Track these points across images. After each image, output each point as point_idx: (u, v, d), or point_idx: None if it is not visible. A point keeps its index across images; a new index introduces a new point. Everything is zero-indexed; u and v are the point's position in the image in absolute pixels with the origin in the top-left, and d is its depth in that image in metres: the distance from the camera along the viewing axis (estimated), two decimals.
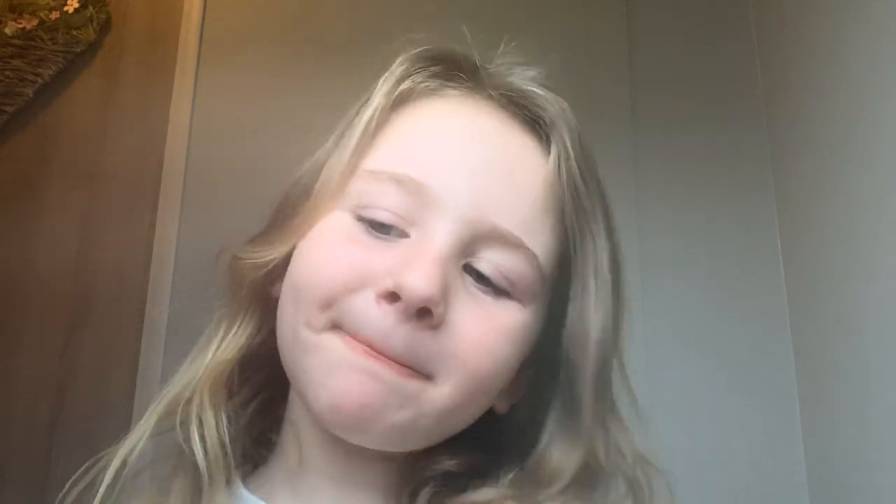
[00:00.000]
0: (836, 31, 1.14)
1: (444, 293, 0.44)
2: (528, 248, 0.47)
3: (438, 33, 0.53)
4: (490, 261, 0.46)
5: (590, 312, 0.49)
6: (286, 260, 0.49)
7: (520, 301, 0.47)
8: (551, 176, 0.49)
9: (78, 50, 1.44)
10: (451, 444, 0.48)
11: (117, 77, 1.45)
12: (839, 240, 1.12)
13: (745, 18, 1.47)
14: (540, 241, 0.48)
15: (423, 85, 0.51)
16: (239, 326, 0.52)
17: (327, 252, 0.47)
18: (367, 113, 0.50)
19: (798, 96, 1.29)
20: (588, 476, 0.48)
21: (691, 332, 1.33)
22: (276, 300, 0.49)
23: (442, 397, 0.45)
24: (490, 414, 0.49)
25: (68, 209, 1.37)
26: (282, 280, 0.49)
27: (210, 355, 0.51)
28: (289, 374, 0.48)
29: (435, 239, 0.45)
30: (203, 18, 1.48)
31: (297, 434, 0.50)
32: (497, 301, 0.46)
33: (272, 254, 0.49)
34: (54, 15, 1.43)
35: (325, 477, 0.49)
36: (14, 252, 1.34)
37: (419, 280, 0.43)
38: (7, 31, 1.41)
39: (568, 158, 0.50)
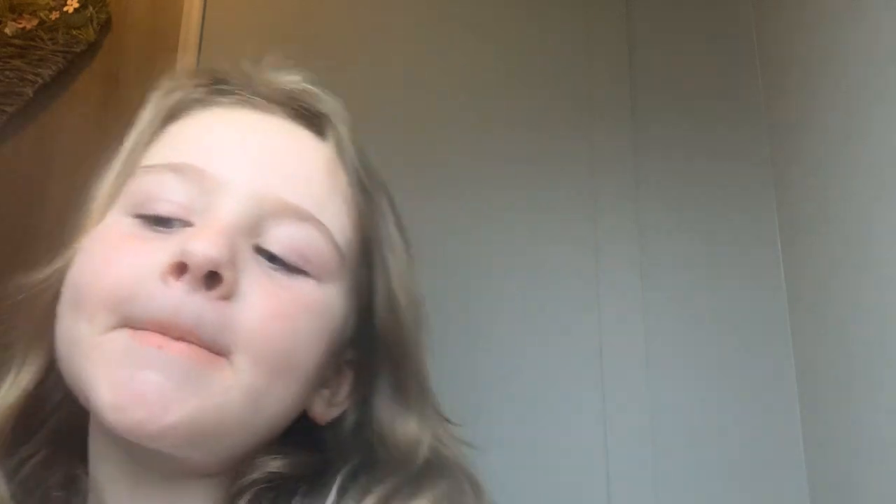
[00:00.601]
0: (836, 30, 1.14)
1: (234, 260, 0.42)
2: (319, 221, 0.46)
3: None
4: (280, 238, 0.45)
5: (394, 286, 0.49)
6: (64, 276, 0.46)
7: (316, 278, 0.46)
8: (333, 160, 0.49)
9: (78, 50, 1.44)
10: (277, 446, 0.46)
11: (117, 77, 1.45)
12: (840, 239, 1.12)
13: (745, 18, 1.47)
14: (331, 216, 0.47)
15: (193, 97, 0.51)
16: (22, 368, 0.47)
17: (106, 249, 0.44)
18: (139, 126, 0.50)
19: (798, 96, 1.29)
20: (429, 470, 0.47)
21: (691, 331, 1.33)
22: None
23: (242, 376, 0.42)
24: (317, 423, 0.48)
25: (69, 209, 1.37)
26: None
27: None
28: (73, 387, 0.44)
29: (219, 214, 0.44)
30: (203, 18, 1.48)
31: (100, 472, 0.46)
32: (291, 277, 0.45)
33: (48, 270, 0.47)
34: (54, 15, 1.42)
35: None
36: (14, 252, 1.34)
37: (204, 242, 0.41)
38: (7, 31, 1.41)
39: (346, 144, 0.50)
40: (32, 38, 1.41)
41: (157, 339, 0.40)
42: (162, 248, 0.42)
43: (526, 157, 1.38)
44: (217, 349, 0.41)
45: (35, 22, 1.42)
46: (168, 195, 0.45)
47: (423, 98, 1.40)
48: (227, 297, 0.42)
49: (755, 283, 1.34)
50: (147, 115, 0.51)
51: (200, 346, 0.41)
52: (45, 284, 0.47)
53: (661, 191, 1.39)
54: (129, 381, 0.40)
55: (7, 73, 1.39)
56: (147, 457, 0.42)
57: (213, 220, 0.43)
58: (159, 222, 0.44)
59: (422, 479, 0.46)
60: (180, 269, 0.41)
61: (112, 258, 0.43)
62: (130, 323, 0.41)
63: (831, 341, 1.16)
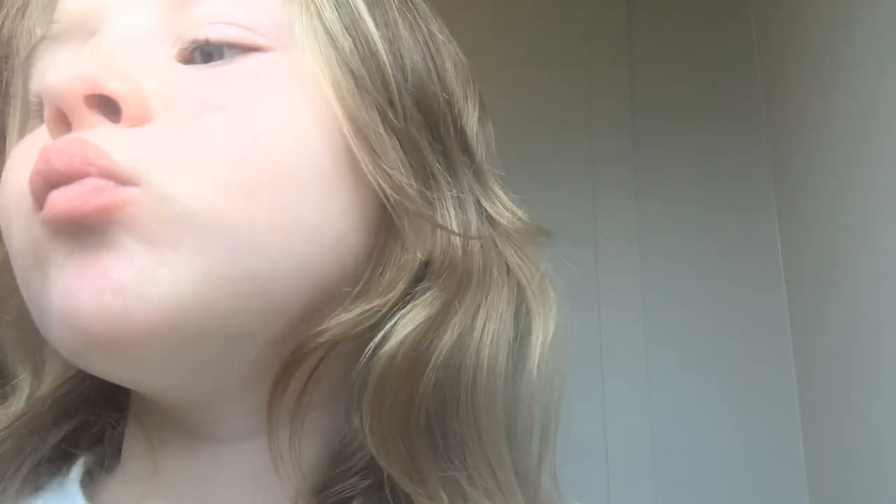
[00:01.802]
0: (836, 30, 1.14)
1: (123, 71, 0.30)
2: None
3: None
4: (212, 18, 0.32)
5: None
6: None
7: (277, 49, 0.33)
8: None
9: None
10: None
11: None
12: (840, 239, 1.12)
13: (745, 18, 1.47)
14: None
15: None
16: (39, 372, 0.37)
17: (4, 177, 0.33)
18: None
19: (798, 95, 1.28)
20: None
21: (691, 331, 1.33)
22: None
23: (190, 204, 0.29)
24: None
25: None
26: None
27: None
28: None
29: (98, 35, 0.32)
30: None
31: (146, 434, 0.35)
32: (242, 62, 0.32)
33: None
34: None
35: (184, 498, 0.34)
36: None
37: (61, 68, 0.30)
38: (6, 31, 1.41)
39: None
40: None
41: (65, 208, 0.28)
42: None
43: (526, 157, 1.38)
44: (138, 181, 0.29)
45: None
46: (59, 62, 0.33)
47: None
48: (144, 119, 0.30)
49: (755, 283, 1.34)
50: None
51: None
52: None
53: (661, 191, 1.39)
54: (65, 283, 0.29)
55: (7, 73, 1.39)
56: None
57: (96, 42, 0.32)
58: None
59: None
60: (56, 122, 0.30)
61: (9, 169, 0.33)
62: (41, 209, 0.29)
63: (831, 341, 1.16)
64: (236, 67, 0.32)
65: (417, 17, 0.38)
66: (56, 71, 0.30)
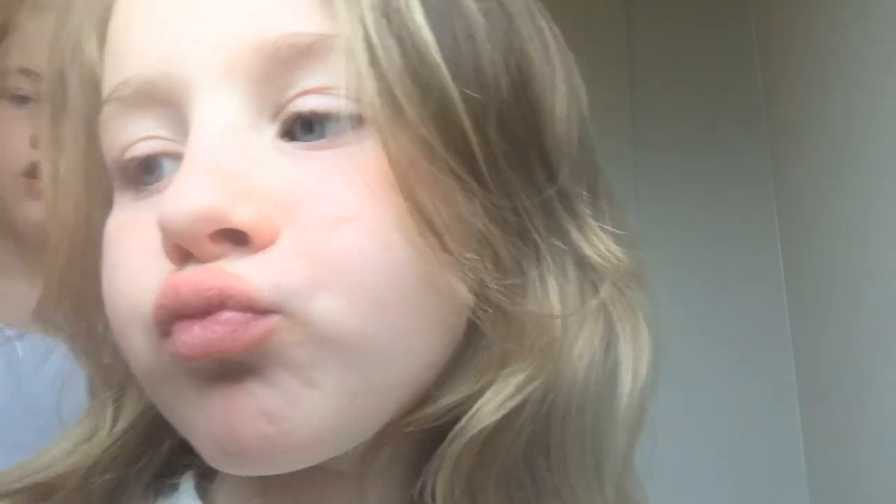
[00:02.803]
0: (836, 30, 1.14)
1: (242, 192, 0.28)
2: (332, 35, 0.29)
3: None
4: (304, 91, 0.29)
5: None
6: (78, 289, 0.34)
7: (371, 119, 0.29)
8: None
9: None
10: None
11: None
12: (840, 239, 1.12)
13: (745, 18, 1.47)
14: (356, 13, 0.29)
15: None
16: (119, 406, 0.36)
17: (109, 263, 0.31)
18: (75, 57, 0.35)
19: (798, 95, 1.28)
20: None
21: (691, 331, 1.33)
22: None
23: (332, 325, 0.28)
24: None
25: None
26: None
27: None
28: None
29: (194, 132, 0.29)
30: None
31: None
32: (346, 146, 0.29)
33: (47, 293, 0.35)
34: None
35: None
36: None
37: (175, 200, 0.27)
38: None
39: None
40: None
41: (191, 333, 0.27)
42: (154, 222, 0.29)
43: None
44: (285, 310, 0.28)
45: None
46: (137, 134, 0.31)
47: None
48: (268, 243, 0.28)
49: (755, 283, 1.33)
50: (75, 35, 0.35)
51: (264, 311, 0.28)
52: (67, 300, 0.35)
53: (661, 191, 1.39)
54: (214, 414, 0.28)
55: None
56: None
57: (188, 150, 0.29)
58: (149, 172, 0.31)
59: None
60: (176, 249, 0.28)
61: (115, 265, 0.31)
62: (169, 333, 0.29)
63: (831, 341, 1.16)
64: (349, 161, 0.29)
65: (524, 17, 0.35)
66: (172, 202, 0.27)
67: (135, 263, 0.30)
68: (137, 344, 0.30)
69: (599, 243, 0.35)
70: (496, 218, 0.30)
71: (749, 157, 1.39)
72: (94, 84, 0.34)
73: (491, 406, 0.31)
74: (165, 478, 0.36)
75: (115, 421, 0.36)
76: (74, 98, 0.34)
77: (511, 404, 0.31)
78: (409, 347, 0.30)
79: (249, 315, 0.27)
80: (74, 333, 0.36)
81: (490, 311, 0.31)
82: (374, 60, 0.28)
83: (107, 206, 0.33)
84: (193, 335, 0.27)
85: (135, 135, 0.31)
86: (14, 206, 0.79)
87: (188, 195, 0.27)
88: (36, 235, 0.81)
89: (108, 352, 0.35)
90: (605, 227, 0.36)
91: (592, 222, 0.36)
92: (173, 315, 0.28)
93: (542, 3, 0.41)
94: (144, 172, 0.31)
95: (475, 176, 0.30)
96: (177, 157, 0.30)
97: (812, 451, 1.23)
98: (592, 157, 0.40)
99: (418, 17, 0.29)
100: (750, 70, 1.43)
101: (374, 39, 0.29)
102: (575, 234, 0.35)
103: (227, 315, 0.27)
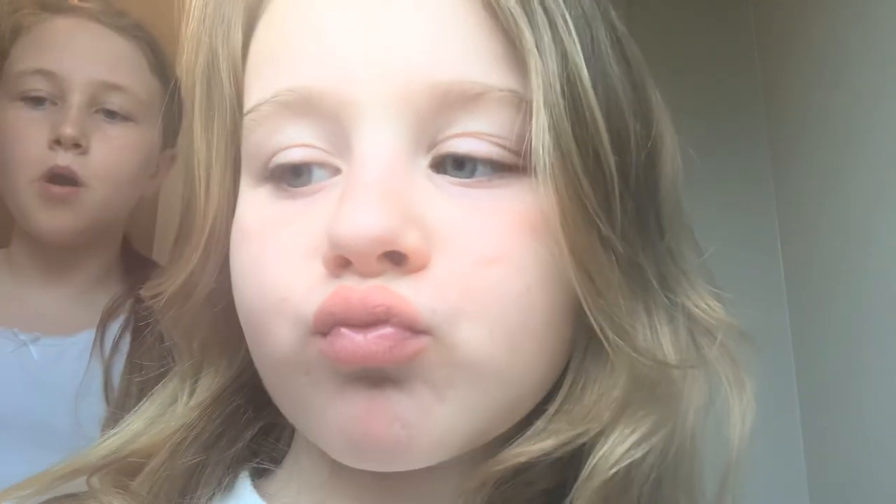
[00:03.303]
0: (836, 30, 1.14)
1: (408, 217, 0.30)
2: (502, 88, 0.32)
3: None
4: (463, 134, 0.32)
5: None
6: (206, 269, 0.36)
7: (521, 168, 0.32)
8: None
9: None
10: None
11: None
12: (840, 239, 1.12)
13: (745, 18, 1.47)
14: (502, 70, 0.32)
15: None
16: (197, 381, 0.39)
17: (248, 253, 0.34)
18: (211, 30, 0.36)
19: (798, 95, 1.28)
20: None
21: None
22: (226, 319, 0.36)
23: (471, 352, 0.31)
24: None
25: None
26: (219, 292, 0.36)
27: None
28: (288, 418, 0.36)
29: (364, 156, 0.31)
30: None
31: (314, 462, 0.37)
32: (493, 187, 0.32)
33: (179, 272, 0.36)
34: None
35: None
36: None
37: (353, 219, 0.29)
38: None
39: None
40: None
41: (354, 345, 0.30)
42: (314, 228, 0.31)
43: None
44: (434, 331, 0.30)
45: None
46: (292, 139, 0.33)
47: None
48: (422, 267, 0.30)
49: (755, 283, 1.33)
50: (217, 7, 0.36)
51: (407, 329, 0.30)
52: (191, 281, 0.36)
53: None
54: (352, 413, 0.31)
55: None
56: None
57: (357, 170, 0.31)
58: (297, 175, 0.33)
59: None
60: (343, 262, 0.30)
61: (260, 270, 0.33)
62: (320, 331, 0.31)
63: (831, 341, 1.16)
64: (498, 203, 0.32)
65: (639, 81, 0.38)
66: (349, 220, 0.30)
67: (287, 261, 0.32)
68: (281, 334, 0.32)
69: (701, 300, 0.38)
70: (624, 269, 0.33)
71: (749, 157, 1.39)
72: (236, 76, 0.35)
73: (618, 451, 0.32)
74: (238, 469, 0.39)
75: (191, 395, 0.39)
76: (221, 90, 0.36)
77: (636, 453, 0.33)
78: (528, 374, 0.33)
79: (407, 333, 0.30)
80: (183, 312, 0.37)
81: (616, 354, 0.33)
82: (552, 121, 0.31)
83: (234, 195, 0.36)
84: (356, 343, 0.30)
85: (291, 139, 0.33)
86: (32, 211, 0.78)
87: (367, 217, 0.29)
88: (53, 239, 0.80)
89: (206, 328, 0.37)
90: (706, 284, 0.39)
91: (695, 279, 0.38)
92: (337, 321, 0.30)
93: None
94: (292, 174, 0.33)
95: (614, 230, 0.32)
96: (328, 167, 0.32)
97: (812, 451, 1.23)
98: (685, 215, 0.42)
99: (588, 87, 0.32)
100: (750, 70, 1.43)
101: (555, 102, 0.31)
102: (682, 289, 0.37)
103: (388, 330, 0.30)
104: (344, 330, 0.30)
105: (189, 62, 0.37)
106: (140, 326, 0.76)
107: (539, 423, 0.33)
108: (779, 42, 1.36)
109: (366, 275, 0.30)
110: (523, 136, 0.32)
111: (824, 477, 1.19)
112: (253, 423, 0.39)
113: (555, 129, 0.31)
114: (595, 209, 0.32)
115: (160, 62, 0.87)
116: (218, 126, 0.36)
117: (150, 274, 0.53)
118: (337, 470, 0.35)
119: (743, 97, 1.42)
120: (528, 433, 0.33)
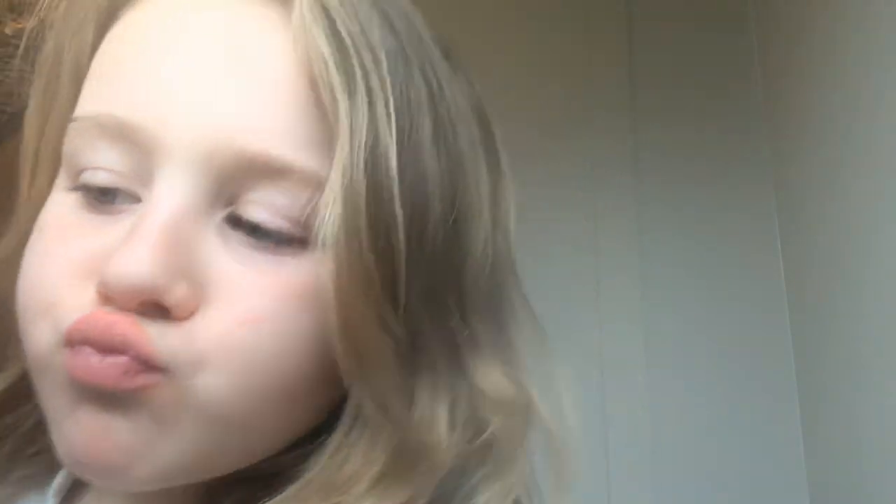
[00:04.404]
0: (836, 30, 1.14)
1: (180, 271, 0.31)
2: (298, 167, 0.33)
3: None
4: (258, 204, 0.33)
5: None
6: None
7: (309, 242, 0.33)
8: (311, 42, 0.33)
9: None
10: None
11: None
12: (840, 239, 1.12)
13: (745, 19, 1.47)
14: (319, 149, 0.33)
15: None
16: None
17: (39, 249, 0.34)
18: (71, 45, 0.37)
19: (798, 96, 1.28)
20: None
21: (691, 331, 1.33)
22: None
23: (205, 398, 0.32)
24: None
25: None
26: None
27: None
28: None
29: (157, 200, 0.32)
30: None
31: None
32: (280, 253, 0.33)
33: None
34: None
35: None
36: None
37: (122, 266, 0.31)
38: (7, 31, 1.41)
39: (319, 13, 0.33)
40: (33, 37, 1.41)
41: (95, 372, 0.31)
42: (101, 246, 0.32)
43: (526, 157, 1.38)
44: (174, 372, 0.32)
45: (35, 21, 1.42)
46: (102, 162, 0.34)
47: None
48: (184, 319, 0.32)
49: (755, 283, 1.34)
50: (71, 19, 0.37)
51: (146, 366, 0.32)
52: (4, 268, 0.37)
53: (661, 191, 1.39)
54: (77, 431, 0.32)
55: (7, 73, 1.39)
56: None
57: (148, 213, 0.32)
58: (105, 194, 0.34)
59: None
60: (104, 293, 0.32)
61: (42, 263, 0.34)
62: (69, 342, 0.32)
63: (831, 342, 1.16)
64: (271, 262, 0.33)
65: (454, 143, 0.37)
66: (117, 267, 0.31)
67: (68, 271, 0.33)
68: (41, 336, 0.33)
69: (492, 381, 0.37)
70: (402, 349, 0.34)
71: (749, 157, 1.39)
72: (77, 74, 0.37)
73: None
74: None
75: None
76: (58, 84, 0.38)
77: None
78: (265, 429, 0.34)
79: (141, 367, 0.31)
80: None
81: (378, 429, 0.34)
82: (347, 204, 0.32)
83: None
84: (90, 363, 0.31)
85: (101, 162, 0.34)
86: None
87: (137, 266, 0.31)
88: None
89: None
90: (508, 359, 0.39)
91: (492, 359, 0.38)
92: (83, 339, 0.31)
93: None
94: (99, 192, 0.34)
95: (396, 311, 0.33)
96: (132, 195, 0.34)
97: (812, 451, 1.23)
98: (507, 283, 0.41)
99: (393, 173, 0.33)
100: (750, 70, 1.43)
101: (353, 184, 0.32)
102: (473, 370, 0.37)
103: (122, 360, 0.31)
104: (87, 349, 0.31)
105: (42, 48, 0.39)
106: None
107: (291, 489, 0.34)
108: (779, 42, 1.36)
109: (126, 310, 0.32)
110: (316, 214, 0.33)
111: (824, 477, 1.19)
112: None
113: (349, 209, 0.32)
114: (377, 290, 0.33)
115: None
116: (53, 118, 0.37)
117: None
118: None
119: (743, 98, 1.42)
120: (278, 498, 0.34)
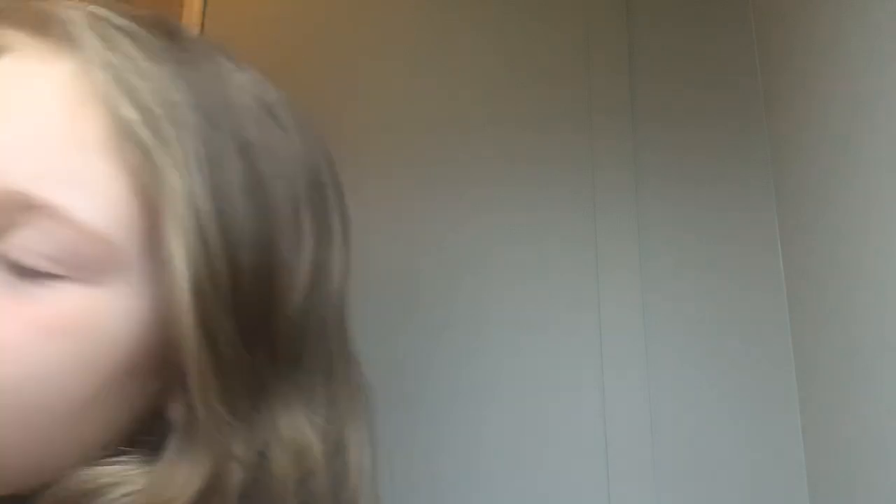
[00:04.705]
0: (836, 30, 1.14)
1: None
2: (61, 207, 0.33)
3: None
4: (18, 242, 0.33)
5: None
6: None
7: (83, 281, 0.34)
8: (82, 88, 0.34)
9: None
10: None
11: None
12: (840, 239, 1.12)
13: (745, 19, 1.47)
14: (91, 190, 0.33)
15: None
16: None
17: None
18: None
19: (799, 96, 1.28)
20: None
21: (691, 331, 1.33)
22: None
23: None
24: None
25: None
26: None
27: None
28: None
29: None
30: (203, 18, 1.48)
31: None
32: (44, 287, 0.34)
33: None
34: None
35: None
36: None
37: None
38: None
39: (105, 53, 0.34)
40: None
41: None
42: None
43: (526, 157, 1.38)
44: None
45: None
46: None
47: (423, 97, 1.40)
48: None
49: (755, 283, 1.34)
50: None
51: None
52: None
53: (661, 191, 1.39)
54: None
55: None
56: None
57: None
58: None
59: None
60: None
61: None
62: None
63: (831, 341, 1.16)
64: (33, 301, 0.33)
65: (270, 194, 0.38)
66: None
67: None
68: None
69: (286, 425, 0.39)
70: (223, 369, 0.36)
71: (749, 157, 1.39)
72: None
73: None
74: None
75: None
76: None
77: None
78: (49, 450, 0.35)
79: None
80: None
81: (188, 444, 0.36)
82: (168, 241, 0.35)
83: None
84: None
85: None
86: None
87: None
88: None
89: None
90: (313, 408, 0.40)
91: (297, 405, 0.40)
92: None
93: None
94: None
95: (213, 346, 0.36)
96: None
97: (812, 450, 1.23)
98: (328, 341, 0.43)
99: (204, 215, 0.35)
100: (750, 70, 1.43)
101: (188, 230, 0.35)
102: (276, 413, 0.39)
103: None
104: None
105: None
106: None
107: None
108: (779, 42, 1.36)
109: None
110: (78, 253, 0.34)
111: (824, 477, 1.19)
112: None
113: (171, 245, 0.34)
114: (195, 322, 0.35)
115: None
116: None
117: None
118: None
119: (743, 98, 1.42)
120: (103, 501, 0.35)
